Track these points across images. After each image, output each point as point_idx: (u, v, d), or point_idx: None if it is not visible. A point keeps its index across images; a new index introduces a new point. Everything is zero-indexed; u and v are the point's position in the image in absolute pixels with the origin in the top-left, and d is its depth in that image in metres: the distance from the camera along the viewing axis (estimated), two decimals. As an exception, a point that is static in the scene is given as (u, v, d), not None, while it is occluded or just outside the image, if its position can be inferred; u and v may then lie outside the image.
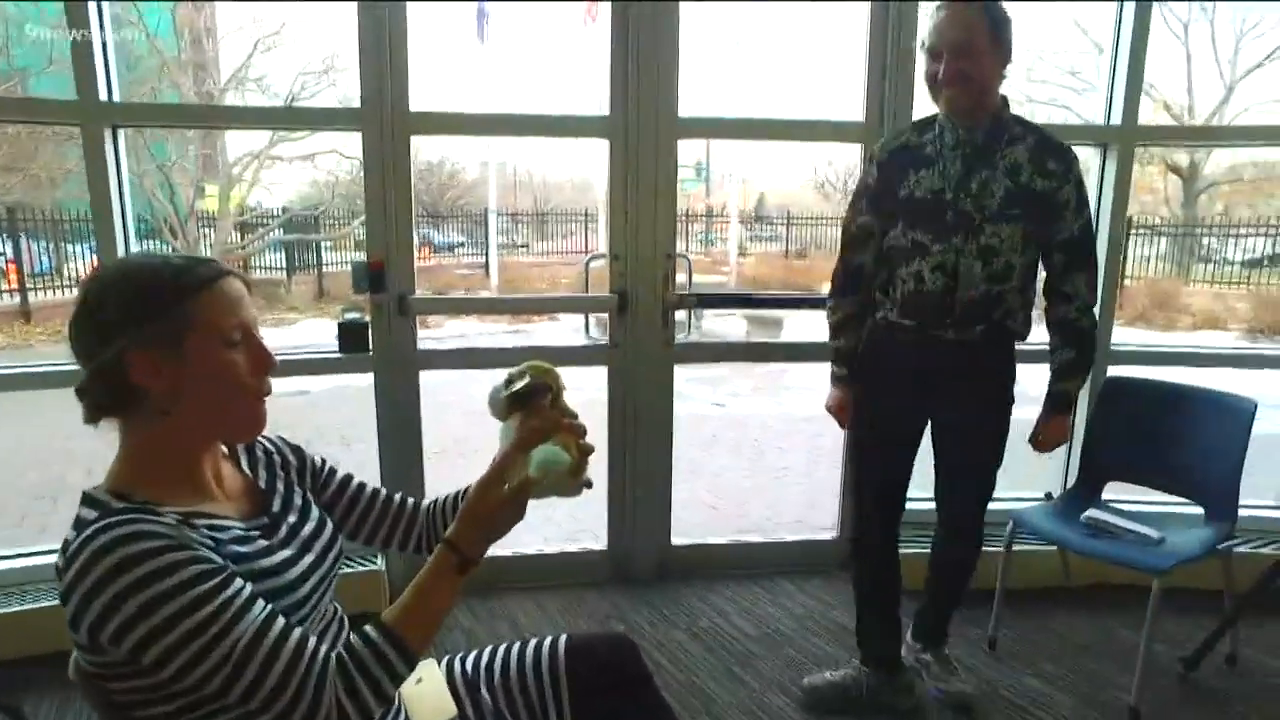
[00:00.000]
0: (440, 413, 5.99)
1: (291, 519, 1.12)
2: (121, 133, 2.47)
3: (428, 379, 2.77)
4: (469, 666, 1.32)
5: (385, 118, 2.54)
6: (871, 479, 2.22)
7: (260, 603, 0.91)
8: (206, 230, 13.38)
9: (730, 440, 5.68)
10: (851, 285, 2.13)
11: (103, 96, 2.37)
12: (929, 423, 2.13)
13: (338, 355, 2.72)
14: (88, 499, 0.95)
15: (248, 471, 1.14)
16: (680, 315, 2.90)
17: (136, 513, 0.91)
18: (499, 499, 0.99)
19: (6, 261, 11.71)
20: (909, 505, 2.25)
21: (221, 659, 0.86)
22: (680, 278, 2.98)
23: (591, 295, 3.22)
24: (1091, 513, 2.34)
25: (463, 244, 19.72)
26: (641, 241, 2.77)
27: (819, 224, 20.70)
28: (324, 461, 1.27)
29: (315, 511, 1.17)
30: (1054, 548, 2.54)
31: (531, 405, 1.07)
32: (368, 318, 2.69)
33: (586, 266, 3.45)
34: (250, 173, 13.23)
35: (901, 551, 2.27)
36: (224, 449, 1.13)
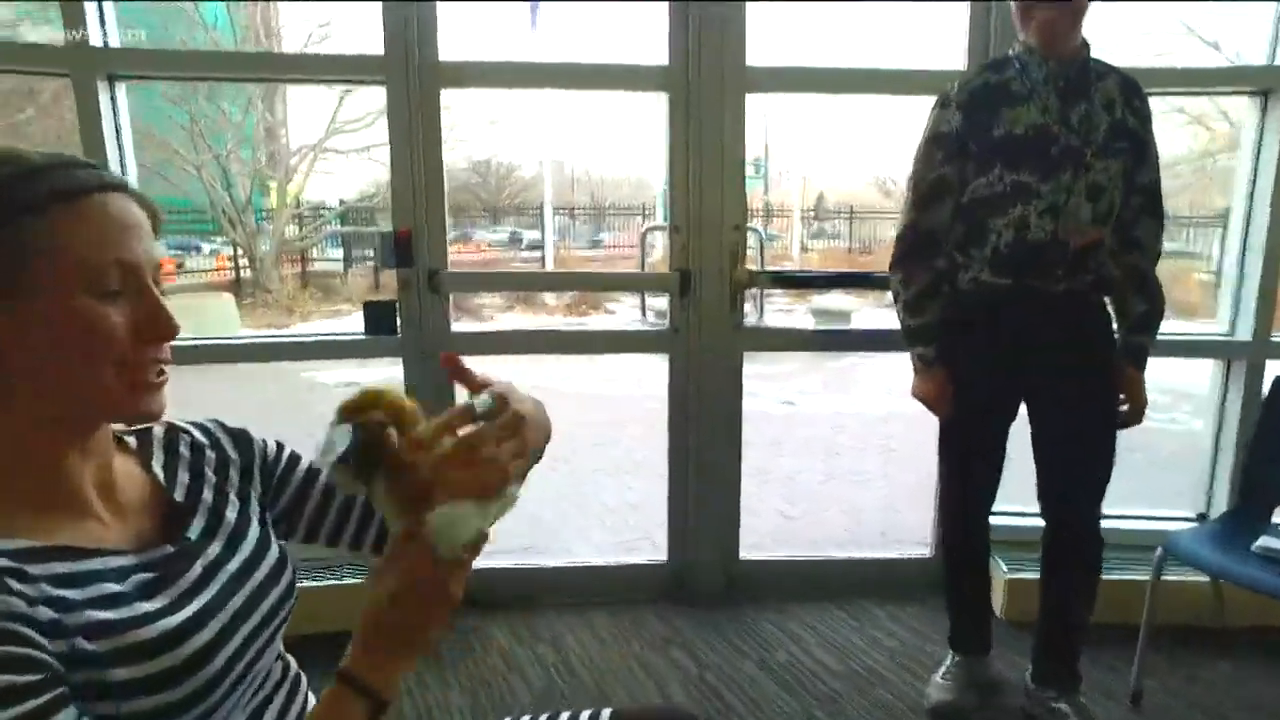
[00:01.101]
0: None
1: (214, 548, 0.77)
2: (121, 88, 2.21)
3: (480, 370, 2.44)
4: None
5: (411, 67, 2.22)
6: (966, 466, 1.98)
7: None
8: (265, 223, 13.52)
9: (801, 441, 5.24)
10: (927, 249, 1.88)
11: (96, 42, 2.10)
12: (1024, 400, 1.90)
13: (362, 338, 2.41)
14: None
15: (160, 476, 0.80)
16: (745, 302, 2.52)
17: None
18: (410, 598, 0.68)
19: None
20: (1000, 524, 2.08)
21: None
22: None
23: (649, 273, 2.85)
24: (1266, 541, 1.90)
25: (520, 240, 19.62)
26: (706, 211, 2.39)
27: (882, 219, 19.99)
28: (280, 449, 0.92)
29: (254, 531, 0.83)
30: (1203, 579, 2.12)
31: (384, 461, 0.70)
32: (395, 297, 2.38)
33: (643, 239, 3.07)
34: (306, 165, 13.31)
35: (1008, 578, 2.07)
36: (123, 440, 0.80)
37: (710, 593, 2.57)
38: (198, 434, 0.86)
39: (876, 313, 8.93)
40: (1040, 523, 1.94)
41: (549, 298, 11.78)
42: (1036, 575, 1.98)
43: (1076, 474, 1.87)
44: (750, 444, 2.61)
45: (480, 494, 0.68)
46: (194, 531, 0.77)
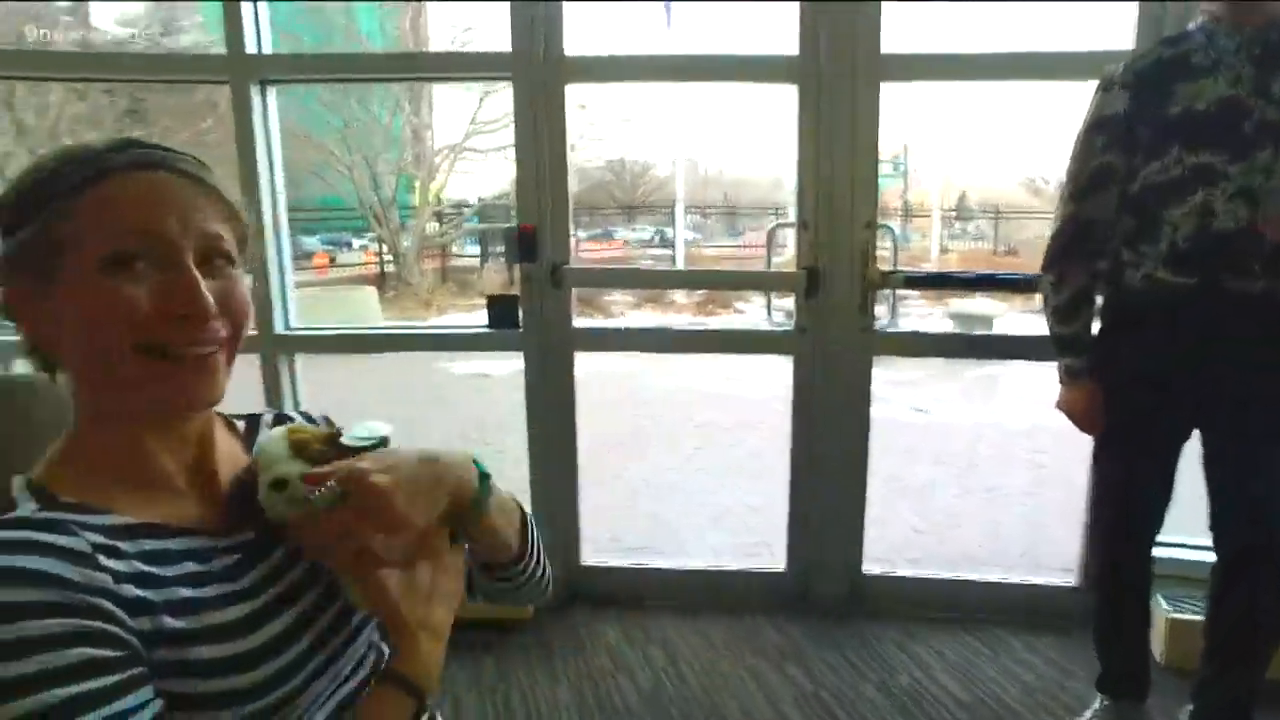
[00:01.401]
0: (606, 407, 5.85)
1: None
2: (272, 92, 2.33)
3: (597, 368, 2.44)
4: None
5: (537, 63, 2.23)
6: (1128, 486, 1.78)
7: None
8: (409, 220, 14.24)
9: (934, 452, 4.97)
10: (1087, 244, 1.71)
11: (251, 49, 2.23)
12: (1200, 413, 1.68)
13: (485, 331, 2.45)
14: (18, 488, 0.66)
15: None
16: (876, 303, 2.38)
17: (38, 529, 0.59)
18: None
19: None
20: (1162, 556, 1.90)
21: None
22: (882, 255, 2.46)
23: (774, 271, 2.75)
24: None
25: (651, 239, 19.77)
26: (837, 207, 2.27)
27: (1031, 218, 18.75)
28: None
29: None
30: None
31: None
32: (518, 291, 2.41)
33: (770, 237, 2.97)
34: (447, 164, 13.90)
35: (1171, 617, 1.96)
36: (233, 424, 0.81)
37: (830, 606, 2.45)
38: (303, 422, 0.86)
39: (1022, 319, 8.39)
40: (1209, 556, 1.72)
41: (679, 297, 11.77)
42: (1203, 615, 1.77)
43: (1267, 501, 1.61)
44: (879, 452, 2.47)
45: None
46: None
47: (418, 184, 14.28)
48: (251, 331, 2.26)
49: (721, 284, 3.14)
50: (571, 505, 2.52)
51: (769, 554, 2.84)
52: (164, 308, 0.64)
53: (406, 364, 7.15)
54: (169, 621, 0.61)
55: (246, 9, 2.23)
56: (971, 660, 2.20)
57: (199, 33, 11.49)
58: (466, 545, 0.80)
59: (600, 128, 15.61)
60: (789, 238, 2.56)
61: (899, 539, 3.41)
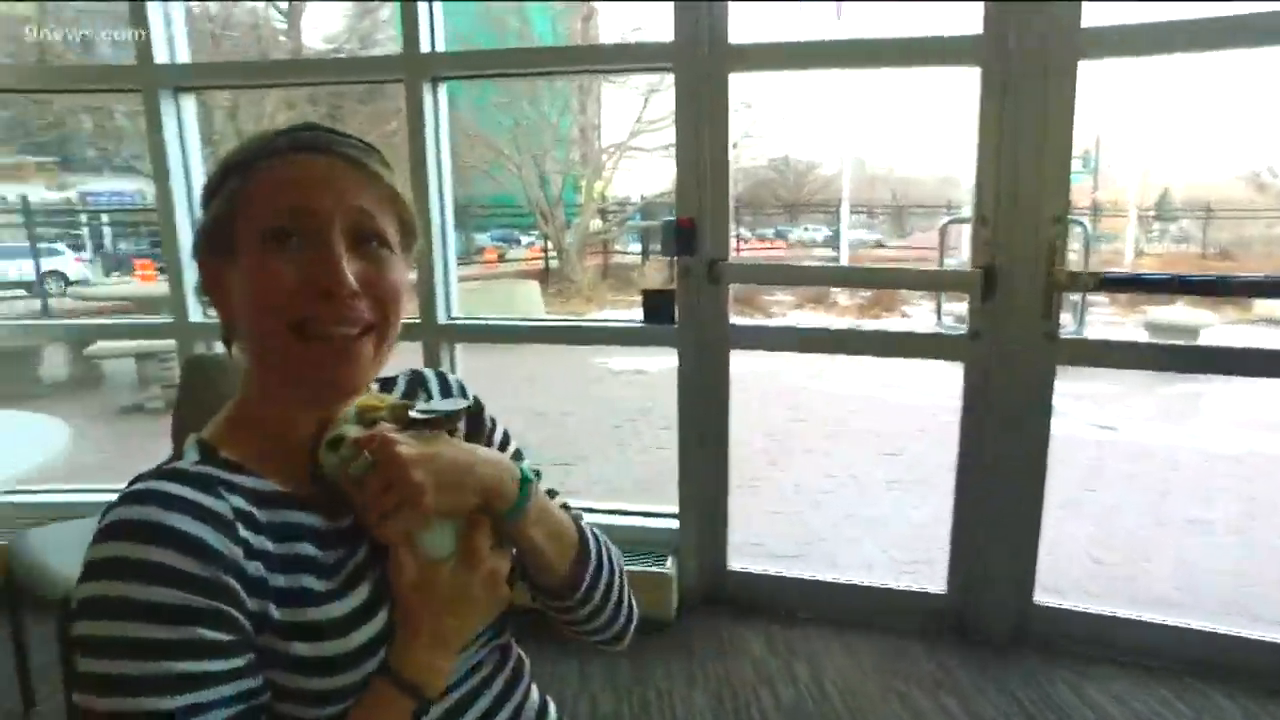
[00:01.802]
0: (760, 407, 5.74)
1: None
2: (442, 89, 2.42)
3: (753, 367, 2.37)
4: None
5: (701, 52, 2.18)
6: None
7: None
8: (574, 218, 14.68)
9: (1122, 475, 4.50)
10: None
11: (425, 48, 2.32)
12: None
13: (640, 326, 2.43)
14: (191, 441, 0.69)
15: None
16: (1061, 307, 2.15)
17: (192, 484, 0.61)
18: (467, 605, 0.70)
19: None
20: None
21: None
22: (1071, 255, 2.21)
23: (947, 270, 2.56)
24: None
25: (815, 238, 19.33)
26: (1022, 199, 2.07)
27: (1252, 218, 16.65)
28: (506, 438, 0.88)
29: None
30: None
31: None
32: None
33: (943, 234, 2.77)
34: (613, 162, 14.19)
35: None
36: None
37: (994, 636, 2.25)
38: (435, 385, 0.86)
39: (1235, 331, 7.45)
40: None
41: (842, 298, 11.40)
42: None
43: None
44: (1057, 470, 2.24)
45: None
46: None
47: (583, 182, 14.69)
48: (414, 320, 2.34)
49: (887, 282, 2.96)
50: (720, 507, 2.46)
51: (928, 573, 2.65)
52: (308, 284, 0.64)
53: (567, 358, 7.36)
54: (274, 611, 0.62)
55: (422, 9, 2.33)
56: (1163, 715, 1.95)
57: (392, 46, 12.39)
58: (514, 557, 0.76)
59: (765, 125, 15.39)
60: (963, 236, 2.38)
61: (1076, 568, 3.10)
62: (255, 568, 0.61)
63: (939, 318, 2.45)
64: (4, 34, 11.32)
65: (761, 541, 3.25)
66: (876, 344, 2.44)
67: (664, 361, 5.70)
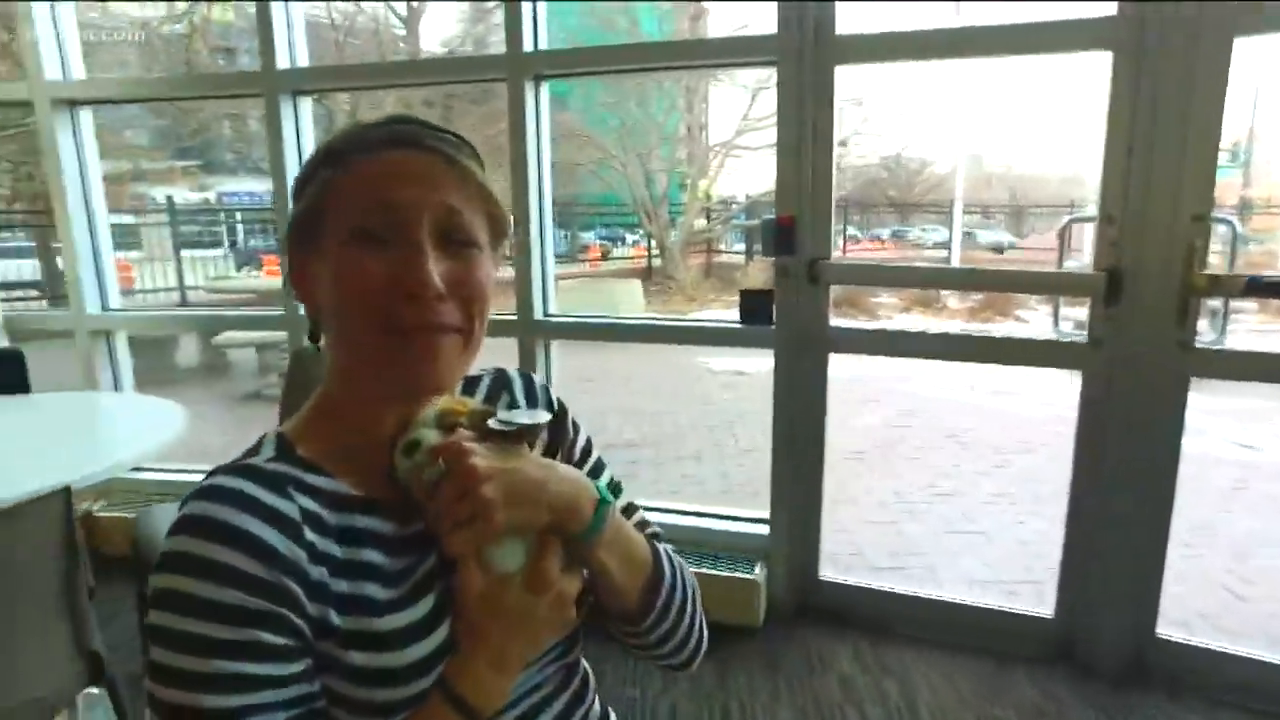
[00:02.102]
0: (862, 412, 5.56)
1: None
2: (544, 87, 2.44)
3: (856, 371, 2.29)
4: None
5: (805, 44, 2.11)
6: None
7: None
8: (680, 216, 14.69)
9: (1267, 498, 4.10)
10: None
11: (528, 48, 2.35)
12: None
13: (736, 326, 2.38)
14: (270, 435, 0.70)
15: None
16: (1198, 314, 1.96)
17: (261, 482, 0.61)
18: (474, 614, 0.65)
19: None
20: None
21: None
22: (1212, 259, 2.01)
23: (1065, 272, 2.39)
24: None
25: (932, 240, 18.65)
26: (1155, 196, 1.90)
27: None
28: (588, 448, 0.86)
29: None
30: None
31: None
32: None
33: (1063, 234, 2.59)
34: (718, 162, 14.09)
35: None
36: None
37: (1107, 669, 2.08)
38: (519, 386, 0.84)
39: None
40: None
41: (953, 301, 10.92)
42: None
43: None
44: (1186, 492, 2.05)
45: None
46: None
47: (689, 181, 14.67)
48: (510, 316, 2.36)
49: (996, 284, 2.78)
50: (813, 514, 2.39)
51: (1036, 596, 2.49)
52: (395, 283, 0.64)
53: (668, 357, 7.36)
54: (334, 618, 0.61)
55: (525, 9, 2.35)
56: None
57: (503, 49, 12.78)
58: (585, 578, 0.72)
59: (877, 121, 14.98)
60: (1087, 237, 2.21)
61: (1208, 601, 2.83)
62: (319, 572, 0.61)
63: (1056, 323, 2.29)
64: (166, 50, 12.31)
65: (859, 551, 3.13)
66: (985, 350, 2.30)
67: (764, 363, 5.57)
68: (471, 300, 0.67)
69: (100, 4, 11.88)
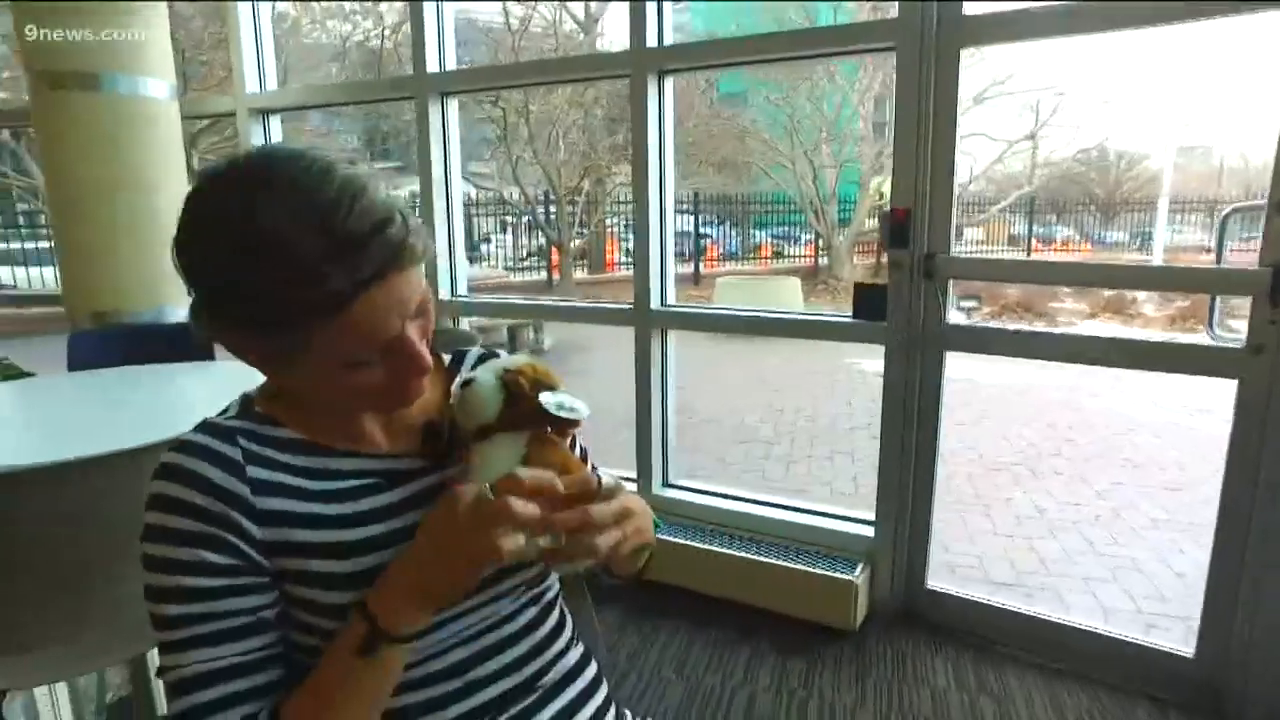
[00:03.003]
0: (1008, 422, 5.15)
1: (457, 471, 0.79)
2: (669, 81, 2.49)
3: (1008, 378, 2.16)
4: None
5: (927, 27, 2.02)
6: None
7: (228, 648, 0.68)
8: (849, 217, 14.28)
9: None
10: None
11: (650, 43, 2.42)
12: None
13: (849, 321, 2.32)
14: (238, 397, 0.81)
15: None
16: None
17: (212, 434, 0.72)
18: (429, 544, 0.69)
19: (709, 243, 14.55)
20: None
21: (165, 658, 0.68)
22: None
23: (1217, 268, 2.14)
24: None
25: (1129, 240, 17.00)
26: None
27: None
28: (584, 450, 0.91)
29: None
30: None
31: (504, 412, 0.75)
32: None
33: (1223, 227, 2.30)
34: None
35: None
36: (439, 357, 0.90)
37: (1255, 718, 1.84)
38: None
39: None
40: None
41: (1148, 307, 9.91)
42: None
43: None
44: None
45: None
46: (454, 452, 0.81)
47: (860, 180, 14.22)
48: (626, 305, 2.45)
49: (1138, 282, 2.42)
50: (922, 519, 2.28)
51: (1183, 634, 2.24)
52: (399, 375, 0.71)
53: (817, 358, 7.21)
54: (296, 534, 0.70)
55: (650, 8, 2.41)
56: None
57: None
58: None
59: (1075, 112, 13.80)
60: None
61: None
62: (266, 501, 0.70)
63: (1210, 325, 2.04)
64: (359, 60, 13.51)
65: (980, 564, 2.94)
66: (1125, 354, 2.09)
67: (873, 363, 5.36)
68: (430, 331, 0.74)
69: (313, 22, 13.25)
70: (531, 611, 0.84)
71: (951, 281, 2.16)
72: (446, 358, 0.90)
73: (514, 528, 0.64)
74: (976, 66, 12.23)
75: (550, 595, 0.88)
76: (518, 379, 0.75)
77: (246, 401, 0.78)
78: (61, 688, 2.07)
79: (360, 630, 0.67)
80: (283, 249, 0.62)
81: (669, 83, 2.52)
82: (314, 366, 0.68)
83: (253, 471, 0.71)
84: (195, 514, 0.68)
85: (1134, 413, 5.27)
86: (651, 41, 2.44)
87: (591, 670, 0.90)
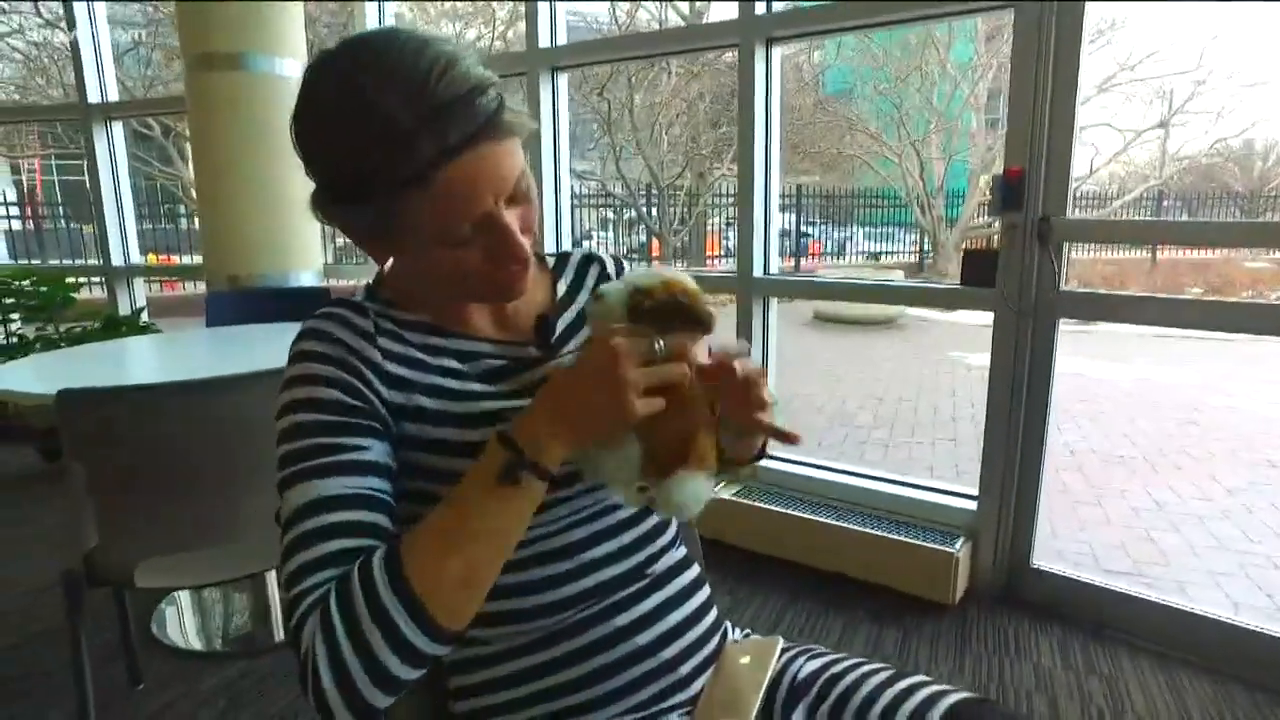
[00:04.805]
0: (1145, 410, 4.85)
1: (568, 360, 0.83)
2: (776, 51, 2.48)
3: (1141, 369, 2.07)
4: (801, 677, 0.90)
5: (1050, -28, 1.94)
6: None
7: (337, 481, 0.68)
8: (956, 212, 13.79)
9: None
10: None
11: (760, 10, 2.42)
12: None
13: (956, 287, 2.26)
14: (365, 283, 0.86)
15: (559, 294, 0.90)
16: None
17: (348, 307, 0.77)
18: (577, 376, 0.69)
19: (811, 241, 14.37)
20: None
21: (281, 508, 0.70)
22: None
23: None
24: None
25: None
26: None
27: None
28: None
29: None
30: None
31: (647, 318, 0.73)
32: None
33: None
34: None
35: None
36: (542, 259, 0.93)
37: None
38: (610, 267, 0.94)
39: None
40: None
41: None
42: None
43: None
44: None
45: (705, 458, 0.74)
46: (564, 346, 0.85)
47: (969, 176, 13.70)
48: (730, 274, 2.48)
49: (1249, 239, 2.22)
50: (1028, 496, 2.19)
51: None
52: (488, 265, 0.72)
53: (922, 352, 7.00)
54: (419, 399, 0.75)
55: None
56: None
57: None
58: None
59: (1217, 100, 12.89)
60: None
61: None
62: (395, 368, 0.75)
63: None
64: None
65: (1092, 553, 2.79)
66: (1254, 319, 1.93)
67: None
68: (533, 224, 0.75)
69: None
70: (670, 567, 0.88)
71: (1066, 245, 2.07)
72: (550, 259, 0.94)
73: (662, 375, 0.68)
74: (1103, 51, 11.57)
75: (680, 548, 0.91)
76: (643, 302, 0.72)
77: (370, 289, 0.83)
78: (190, 618, 2.25)
79: (500, 458, 0.66)
80: (372, 118, 0.63)
81: (776, 52, 2.51)
82: (413, 243, 0.70)
83: (383, 341, 0.76)
84: (332, 362, 0.73)
85: (1275, 414, 4.89)
86: (760, 9, 2.44)
87: (695, 570, 0.92)
